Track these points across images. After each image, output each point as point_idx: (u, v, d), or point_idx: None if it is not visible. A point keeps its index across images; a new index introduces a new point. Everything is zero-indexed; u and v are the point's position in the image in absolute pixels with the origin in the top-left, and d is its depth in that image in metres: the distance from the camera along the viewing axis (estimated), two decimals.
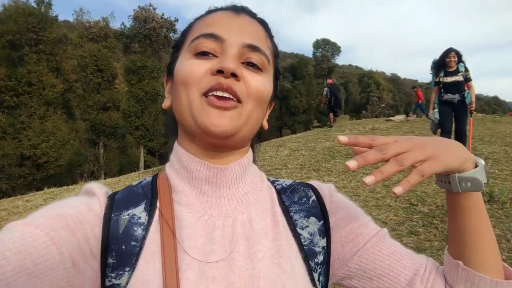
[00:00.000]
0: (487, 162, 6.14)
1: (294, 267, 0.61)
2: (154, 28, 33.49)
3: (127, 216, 0.60)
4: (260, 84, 0.62)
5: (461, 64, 5.99)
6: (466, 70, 5.96)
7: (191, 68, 0.60)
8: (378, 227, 0.70)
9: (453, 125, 6.13)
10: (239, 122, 0.60)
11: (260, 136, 0.76)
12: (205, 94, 0.59)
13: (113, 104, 31.57)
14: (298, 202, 0.70)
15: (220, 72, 0.58)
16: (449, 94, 5.94)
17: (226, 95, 0.58)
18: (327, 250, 0.67)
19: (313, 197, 0.71)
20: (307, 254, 0.64)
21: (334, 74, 55.28)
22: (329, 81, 14.16)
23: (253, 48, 0.62)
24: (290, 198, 0.70)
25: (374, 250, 0.67)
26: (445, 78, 5.98)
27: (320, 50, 59.13)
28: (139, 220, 0.60)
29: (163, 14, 35.66)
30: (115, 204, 0.62)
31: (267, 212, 0.67)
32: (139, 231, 0.59)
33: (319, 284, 0.65)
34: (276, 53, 0.70)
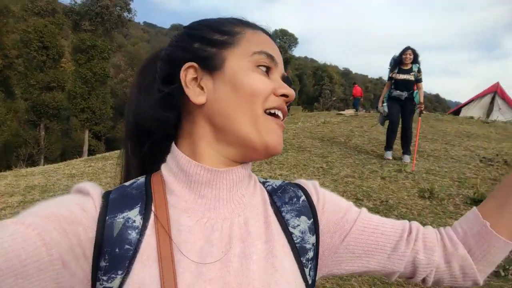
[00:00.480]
0: (429, 160, 6.49)
1: (285, 267, 0.63)
2: (107, 6, 31.95)
3: (121, 219, 0.59)
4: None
5: (416, 64, 6.32)
6: (419, 71, 6.28)
7: (262, 84, 0.62)
8: (358, 209, 0.76)
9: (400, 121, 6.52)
10: None
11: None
12: (265, 111, 0.63)
13: (58, 84, 29.89)
14: (289, 203, 0.72)
15: (283, 96, 0.64)
16: (398, 91, 6.30)
17: (281, 117, 0.65)
18: (316, 246, 0.71)
19: (303, 197, 0.73)
20: (299, 251, 0.67)
21: (290, 65, 55.89)
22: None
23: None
24: (281, 198, 0.72)
25: (359, 230, 0.72)
26: (398, 75, 6.30)
27: (278, 40, 59.42)
28: (134, 224, 0.59)
29: None
30: (109, 206, 0.60)
31: (260, 215, 0.68)
32: (133, 234, 0.58)
33: (309, 279, 0.68)
34: None
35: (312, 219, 0.71)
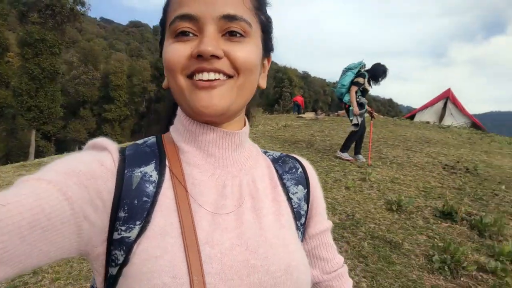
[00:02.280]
0: (392, 167, 6.27)
1: (290, 224, 0.69)
2: None
3: (139, 173, 0.61)
4: (246, 54, 0.61)
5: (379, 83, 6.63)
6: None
7: (173, 54, 0.60)
8: (328, 221, 0.81)
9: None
10: (231, 98, 0.62)
11: (259, 96, 0.78)
12: (191, 76, 0.60)
13: (2, 80, 27.69)
14: (289, 172, 0.77)
15: (200, 56, 0.59)
16: (364, 99, 6.54)
17: (211, 76, 0.59)
18: (307, 214, 0.76)
19: (300, 169, 0.79)
20: (295, 215, 0.72)
21: None
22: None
23: (230, 17, 0.60)
24: (282, 167, 0.77)
25: (320, 239, 0.79)
26: (369, 86, 6.57)
27: None
28: (151, 178, 0.61)
29: None
30: (127, 160, 0.62)
31: (266, 176, 0.73)
32: (150, 188, 0.60)
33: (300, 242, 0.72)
34: (258, 5, 0.67)
35: (306, 189, 0.77)
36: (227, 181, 0.66)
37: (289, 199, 0.72)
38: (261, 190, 0.69)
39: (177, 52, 0.60)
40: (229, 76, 0.61)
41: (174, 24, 0.61)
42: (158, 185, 0.61)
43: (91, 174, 0.56)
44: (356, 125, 6.60)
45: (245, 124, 0.72)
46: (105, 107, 54.13)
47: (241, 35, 0.61)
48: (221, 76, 0.60)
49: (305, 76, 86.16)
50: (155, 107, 60.32)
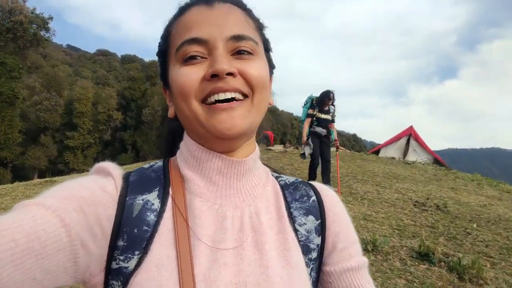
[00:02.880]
0: (363, 203, 6.11)
1: (297, 260, 0.63)
2: (20, 22, 29.19)
3: (141, 201, 0.60)
4: (257, 70, 0.61)
5: (332, 106, 7.06)
6: (334, 112, 7.06)
7: (185, 78, 0.59)
8: (361, 256, 0.71)
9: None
10: (250, 118, 0.61)
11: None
12: (205, 100, 0.59)
13: None
14: (300, 200, 0.71)
15: (214, 75, 0.58)
16: (320, 128, 6.94)
17: (228, 95, 0.58)
18: (321, 248, 0.69)
19: (313, 197, 0.72)
20: (303, 249, 0.66)
21: None
22: None
23: (238, 38, 0.60)
24: (292, 195, 0.72)
25: (347, 279, 0.68)
26: (320, 114, 6.95)
27: None
28: (153, 207, 0.60)
29: (34, 9, 31.50)
30: (130, 188, 0.61)
31: (272, 206, 0.68)
32: (151, 216, 0.59)
33: (310, 279, 0.66)
34: (260, 26, 0.69)
35: (319, 221, 0.70)
36: (228, 212, 0.63)
37: (296, 231, 0.67)
38: (265, 222, 0.65)
39: (189, 76, 0.59)
40: (244, 96, 0.60)
41: (182, 49, 0.60)
42: (160, 214, 0.60)
43: (91, 200, 0.55)
44: (302, 154, 7.13)
45: (255, 148, 0.70)
46: (68, 134, 52.29)
47: (250, 53, 0.61)
48: (237, 95, 0.59)
49: (273, 110, 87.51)
50: (120, 136, 58.81)
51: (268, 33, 0.72)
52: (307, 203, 0.71)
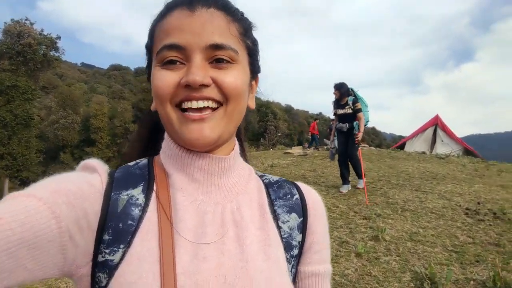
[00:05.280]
0: (406, 217, 5.15)
1: (278, 256, 0.64)
2: (29, 44, 29.07)
3: (126, 196, 0.61)
4: (233, 79, 0.62)
5: (350, 97, 6.63)
6: (355, 102, 6.55)
7: (162, 81, 0.61)
8: (329, 264, 0.74)
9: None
10: (221, 127, 0.62)
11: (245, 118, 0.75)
12: (179, 105, 0.61)
13: None
14: (283, 198, 0.72)
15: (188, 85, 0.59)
16: (340, 124, 6.76)
17: (201, 104, 0.60)
18: (301, 245, 0.70)
19: (297, 195, 0.73)
20: (285, 245, 0.67)
21: None
22: None
23: (216, 47, 0.61)
24: (276, 192, 0.73)
25: (310, 284, 0.70)
26: (337, 110, 6.74)
27: None
28: (137, 201, 0.61)
29: (42, 30, 31.42)
30: (115, 183, 0.62)
31: (255, 202, 0.69)
32: (136, 211, 0.60)
33: (290, 275, 0.67)
34: (244, 30, 0.67)
35: (302, 218, 0.71)
36: (209, 207, 0.64)
37: (279, 228, 0.68)
38: (247, 217, 0.66)
39: (165, 80, 0.60)
40: (218, 103, 0.61)
41: (162, 53, 0.61)
42: (144, 208, 0.61)
43: (80, 194, 0.56)
44: (330, 156, 7.32)
45: (234, 146, 0.71)
46: (87, 150, 52.61)
47: (228, 62, 0.62)
48: (210, 103, 0.60)
49: (288, 109, 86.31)
50: None
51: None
52: (291, 201, 0.72)
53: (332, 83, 6.78)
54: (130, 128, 57.15)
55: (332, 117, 7.38)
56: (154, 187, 0.63)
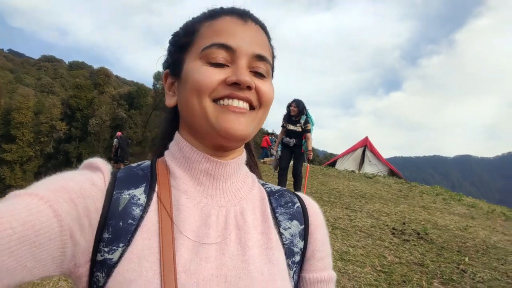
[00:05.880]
0: (336, 235, 5.16)
1: (279, 260, 0.65)
2: None
3: (127, 196, 0.61)
4: (268, 91, 0.67)
5: (303, 116, 6.76)
6: (306, 123, 6.72)
7: (208, 77, 0.62)
8: (332, 270, 0.75)
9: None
10: (252, 127, 0.65)
11: None
12: (216, 100, 0.63)
13: None
14: (285, 206, 0.74)
15: (235, 84, 0.62)
16: (287, 138, 6.86)
17: (241, 104, 0.63)
18: (303, 252, 0.71)
19: (298, 204, 0.75)
20: (286, 251, 0.68)
21: None
22: (119, 133, 15.10)
23: (261, 58, 0.66)
24: (278, 201, 0.75)
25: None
26: (288, 125, 6.82)
27: (161, 82, 57.40)
28: (138, 201, 0.62)
29: None
30: (117, 182, 0.63)
31: (257, 208, 0.71)
32: (137, 211, 0.60)
33: (292, 281, 0.67)
34: (273, 54, 0.74)
35: (303, 226, 0.72)
36: (213, 210, 0.65)
37: (280, 234, 0.69)
38: (250, 222, 0.67)
39: (211, 76, 0.62)
40: (252, 108, 0.65)
41: (210, 50, 0.63)
42: (145, 208, 0.61)
43: (81, 192, 0.56)
44: (274, 166, 7.37)
45: (242, 153, 0.73)
46: (4, 147, 48.03)
47: (263, 76, 0.67)
48: (247, 106, 0.64)
49: None
50: (64, 148, 54.86)
51: None
52: (292, 209, 0.74)
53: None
54: (57, 126, 53.40)
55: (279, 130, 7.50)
56: (156, 188, 0.64)
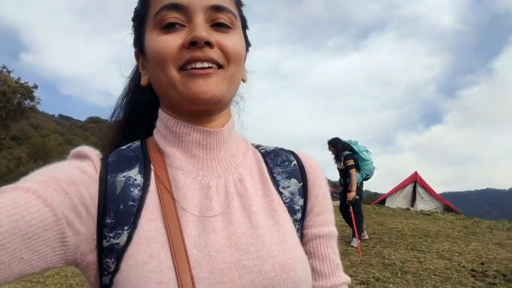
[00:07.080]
0: (408, 280, 4.56)
1: (285, 220, 0.64)
2: (4, 92, 28.38)
3: (123, 178, 0.60)
4: (234, 44, 0.62)
5: (345, 152, 6.60)
6: (346, 159, 6.48)
7: (163, 45, 0.59)
8: (333, 226, 0.73)
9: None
10: (224, 86, 0.61)
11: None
12: (182, 68, 0.59)
13: None
14: (281, 165, 0.72)
15: (193, 43, 0.58)
16: (340, 178, 6.84)
17: (205, 65, 0.59)
18: (304, 209, 0.70)
19: (294, 161, 0.73)
20: (288, 210, 0.67)
21: None
22: None
23: (218, 8, 0.61)
24: (274, 161, 0.73)
25: (315, 246, 0.69)
26: (339, 164, 6.70)
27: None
28: (135, 182, 0.60)
29: (19, 78, 30.93)
30: (109, 167, 0.61)
31: (255, 173, 0.69)
32: (136, 191, 0.59)
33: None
34: (239, 2, 0.69)
35: (302, 183, 0.71)
36: (212, 181, 0.63)
37: (280, 194, 0.68)
38: (250, 187, 0.66)
39: (167, 43, 0.59)
40: (219, 67, 0.61)
41: (161, 14, 0.60)
42: (144, 188, 0.60)
43: (71, 180, 0.55)
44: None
45: (229, 118, 0.70)
46: None
47: (228, 27, 0.62)
48: (213, 65, 0.60)
49: None
50: None
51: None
52: (289, 167, 0.72)
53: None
54: None
55: None
56: (152, 167, 0.63)
